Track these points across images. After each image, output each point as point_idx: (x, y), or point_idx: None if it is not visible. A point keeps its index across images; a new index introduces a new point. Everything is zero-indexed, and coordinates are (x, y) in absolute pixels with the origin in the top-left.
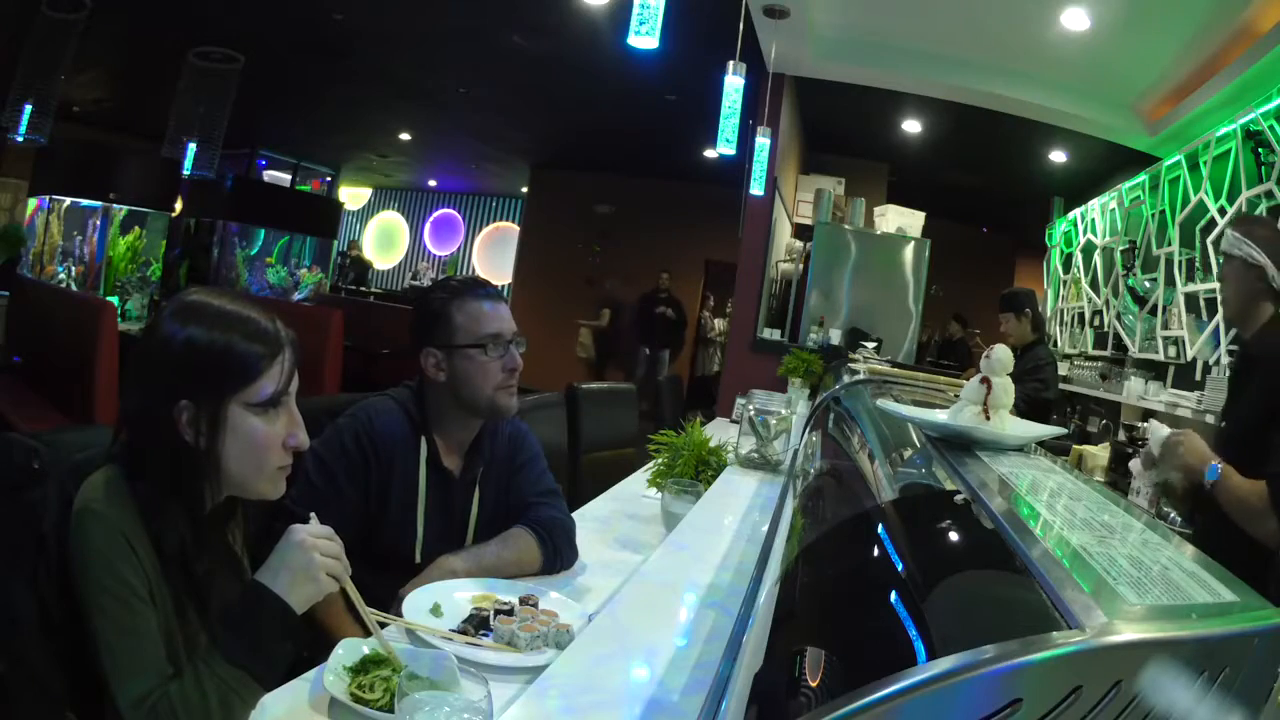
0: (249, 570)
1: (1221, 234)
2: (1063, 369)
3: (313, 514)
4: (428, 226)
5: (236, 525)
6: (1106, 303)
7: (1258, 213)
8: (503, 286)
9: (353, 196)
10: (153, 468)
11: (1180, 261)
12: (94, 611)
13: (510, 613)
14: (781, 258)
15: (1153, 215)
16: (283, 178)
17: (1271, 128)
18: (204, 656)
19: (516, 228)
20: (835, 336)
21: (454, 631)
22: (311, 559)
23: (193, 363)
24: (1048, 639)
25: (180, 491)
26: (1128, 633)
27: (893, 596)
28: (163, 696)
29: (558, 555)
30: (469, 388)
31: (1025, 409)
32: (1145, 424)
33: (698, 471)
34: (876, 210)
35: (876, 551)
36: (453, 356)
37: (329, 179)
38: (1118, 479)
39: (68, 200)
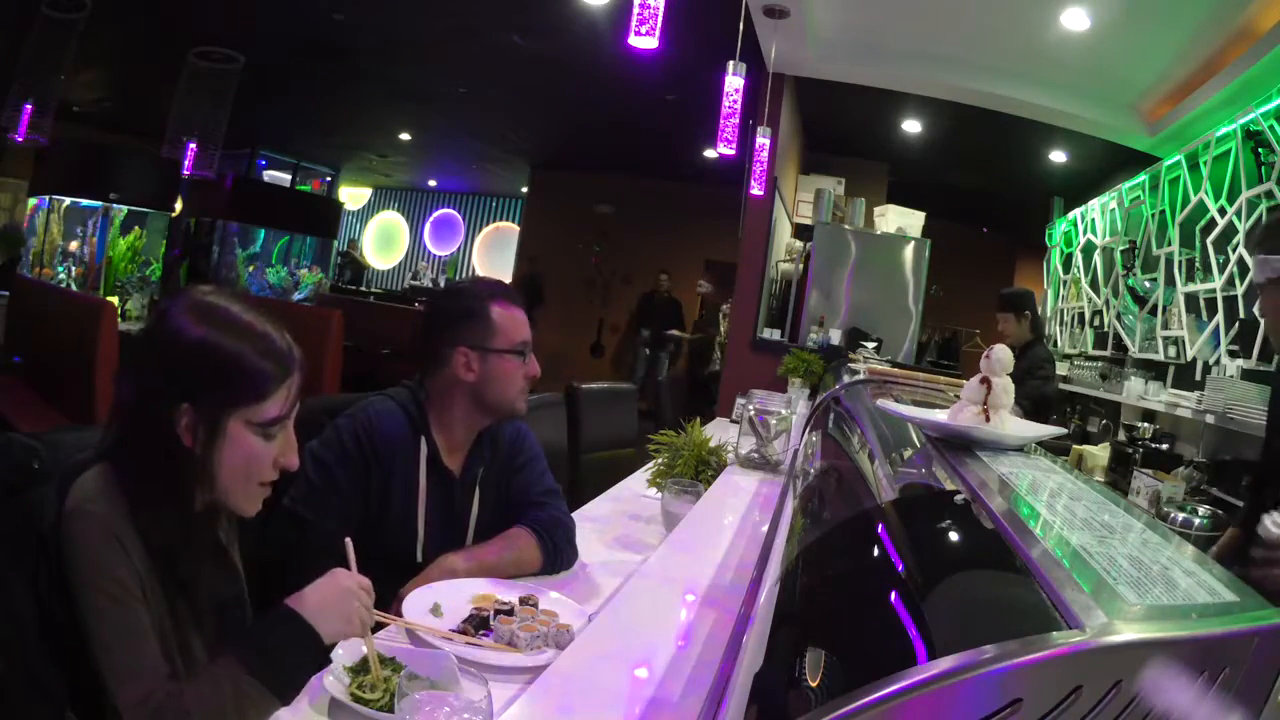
0: (238, 565)
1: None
2: (1063, 369)
3: (350, 549)
4: (428, 226)
5: (226, 520)
6: (1106, 303)
7: (1258, 213)
8: None
9: (353, 196)
10: (144, 464)
11: (1180, 261)
12: (90, 612)
13: (510, 613)
14: (781, 258)
15: (1153, 215)
16: (283, 178)
17: (1271, 128)
18: (225, 664)
19: (516, 228)
20: (835, 336)
21: (454, 631)
22: (353, 607)
23: (200, 364)
24: (1048, 639)
25: (171, 490)
26: (1128, 633)
27: (893, 596)
28: (168, 697)
29: (558, 555)
30: (496, 390)
31: (1030, 408)
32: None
33: (698, 471)
34: (876, 210)
35: (876, 551)
36: (488, 358)
37: (329, 179)
38: (1118, 479)
39: (68, 200)
